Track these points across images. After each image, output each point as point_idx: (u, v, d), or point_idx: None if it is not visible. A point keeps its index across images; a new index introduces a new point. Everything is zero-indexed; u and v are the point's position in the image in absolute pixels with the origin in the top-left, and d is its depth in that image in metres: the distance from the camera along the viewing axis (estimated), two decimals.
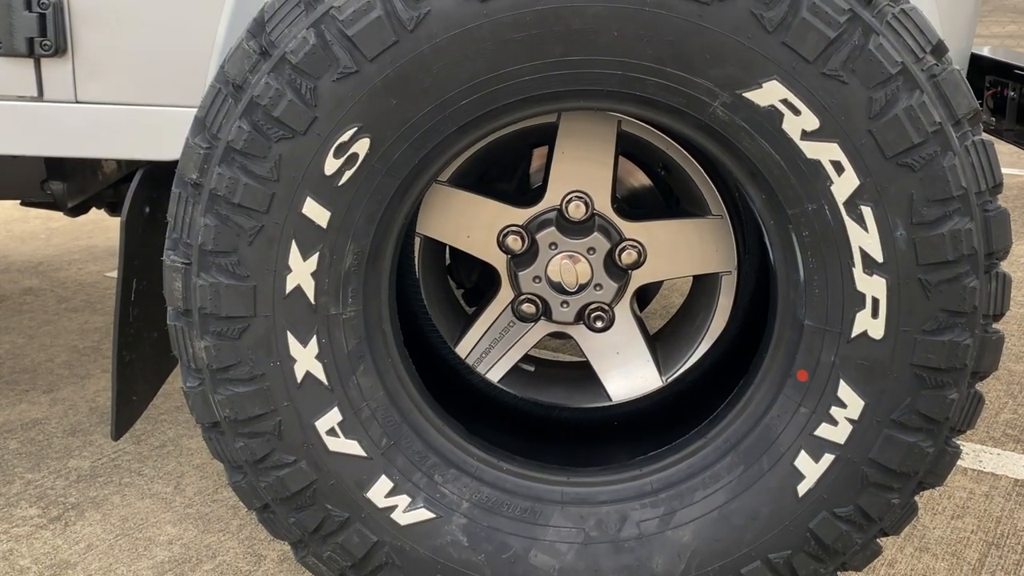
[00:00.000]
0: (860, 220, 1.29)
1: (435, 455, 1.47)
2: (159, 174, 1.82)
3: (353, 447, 1.42)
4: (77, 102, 1.75)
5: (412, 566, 1.45)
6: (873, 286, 1.31)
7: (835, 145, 1.26)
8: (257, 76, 1.29)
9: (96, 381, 2.66)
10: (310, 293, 1.36)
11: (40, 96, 1.76)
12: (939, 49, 1.27)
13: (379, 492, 1.43)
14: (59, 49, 1.72)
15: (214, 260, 1.34)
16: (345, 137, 1.29)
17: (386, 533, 1.44)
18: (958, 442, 1.40)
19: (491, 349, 1.81)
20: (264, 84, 1.28)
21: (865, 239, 1.30)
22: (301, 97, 1.28)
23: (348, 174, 1.31)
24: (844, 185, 1.28)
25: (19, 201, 2.48)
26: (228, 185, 1.31)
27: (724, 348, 1.76)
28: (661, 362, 1.80)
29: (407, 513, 1.44)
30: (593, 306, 1.67)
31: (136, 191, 1.78)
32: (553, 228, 1.64)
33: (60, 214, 2.79)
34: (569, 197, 1.63)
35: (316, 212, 1.32)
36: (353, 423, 1.41)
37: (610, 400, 1.81)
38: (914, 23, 1.25)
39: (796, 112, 1.26)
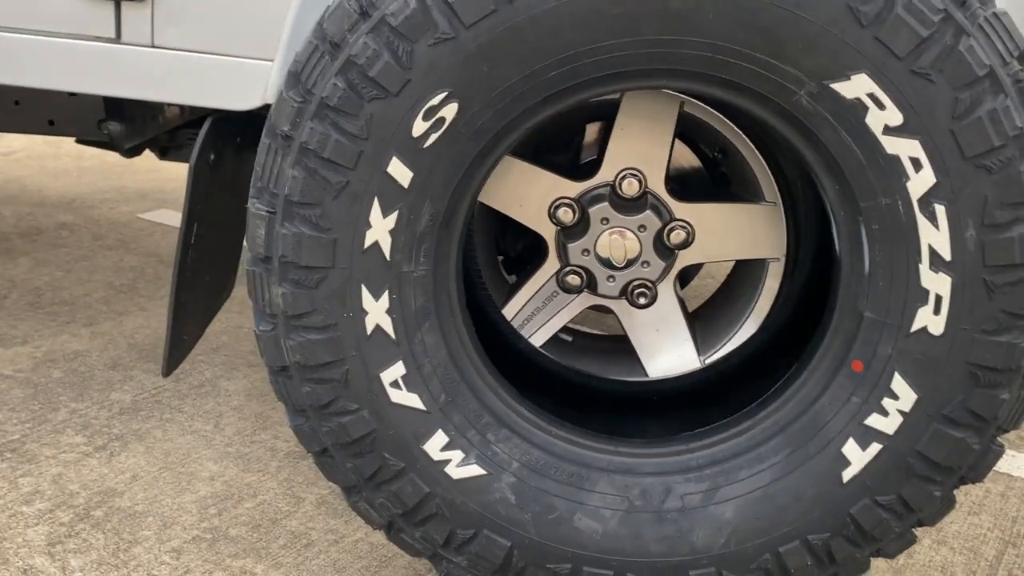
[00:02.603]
0: (932, 218, 1.32)
1: (489, 414, 1.51)
2: (226, 123, 1.85)
3: (414, 400, 1.46)
4: (153, 46, 1.77)
5: (460, 519, 1.50)
6: (938, 283, 1.34)
7: (916, 142, 1.29)
8: (356, 35, 1.31)
9: (133, 319, 2.71)
10: (387, 249, 1.39)
11: (118, 38, 1.79)
12: None
13: (435, 445, 1.48)
14: None
15: (299, 211, 1.37)
16: (436, 101, 1.32)
17: (438, 485, 1.49)
18: (1002, 441, 1.44)
19: (534, 316, 1.84)
20: (362, 44, 1.31)
21: (935, 236, 1.33)
22: (397, 59, 1.30)
23: (434, 137, 1.34)
24: (920, 182, 1.31)
25: (75, 138, 2.51)
26: (319, 140, 1.34)
27: (770, 334, 1.79)
28: (700, 343, 1.84)
29: (460, 468, 1.49)
30: (637, 282, 1.70)
31: (205, 139, 1.81)
32: (606, 203, 1.66)
33: (91, 151, 2.82)
34: (623, 174, 1.65)
35: (400, 172, 1.35)
36: (415, 377, 1.45)
37: (647, 376, 1.85)
38: (1004, 27, 1.28)
39: (881, 107, 1.28)
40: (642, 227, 1.66)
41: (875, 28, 1.24)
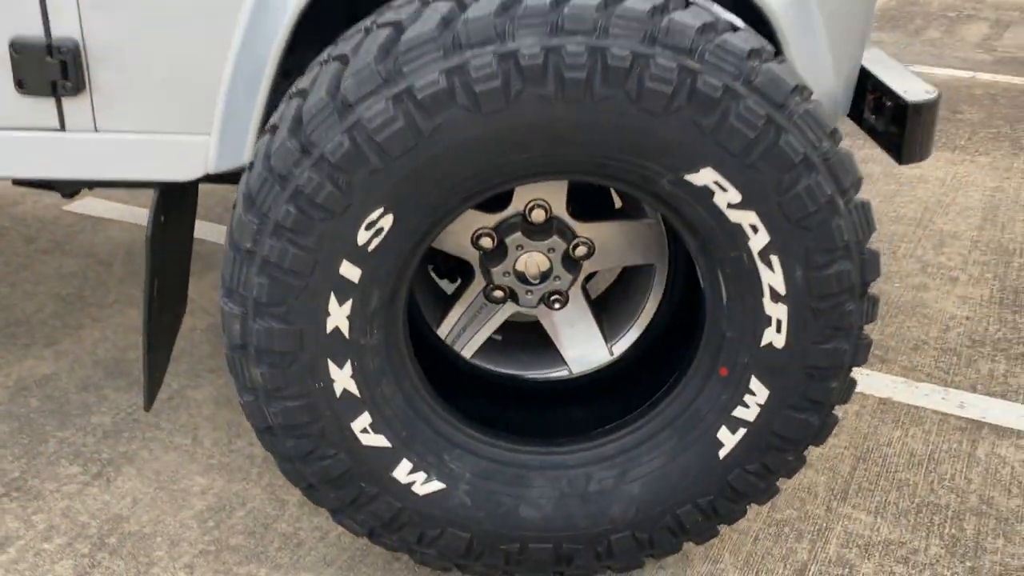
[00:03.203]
0: (769, 265, 1.70)
1: (443, 440, 1.87)
2: (171, 191, 2.10)
3: (381, 440, 1.81)
4: (96, 131, 2.00)
5: (428, 523, 1.88)
6: (778, 311, 1.74)
7: (753, 212, 1.66)
8: (300, 169, 1.59)
9: (89, 332, 2.95)
10: (345, 331, 1.71)
11: (62, 128, 2.00)
12: (833, 136, 1.66)
13: (402, 472, 1.84)
14: (79, 88, 1.95)
15: (267, 310, 1.67)
16: (374, 216, 1.62)
17: (408, 501, 1.86)
18: (837, 413, 1.88)
19: (465, 329, 2.19)
20: (307, 177, 1.59)
21: (773, 278, 1.71)
22: (338, 187, 1.59)
23: (376, 242, 1.65)
24: (758, 241, 1.68)
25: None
26: (279, 254, 1.63)
27: (663, 328, 2.19)
28: (606, 332, 2.22)
29: (424, 485, 1.86)
30: (552, 292, 2.06)
31: (156, 209, 2.07)
32: (519, 232, 2.00)
33: None
34: (531, 204, 1.98)
35: (350, 271, 1.66)
36: (380, 422, 1.80)
37: (570, 371, 2.22)
38: (815, 119, 1.63)
39: (724, 189, 1.64)
40: (551, 248, 2.00)
41: (715, 135, 1.59)
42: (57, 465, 2.39)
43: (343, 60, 1.61)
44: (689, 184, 1.64)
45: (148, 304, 2.09)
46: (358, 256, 1.66)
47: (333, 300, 1.69)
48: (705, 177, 1.63)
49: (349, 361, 1.74)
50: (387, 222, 1.64)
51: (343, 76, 1.58)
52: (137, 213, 3.77)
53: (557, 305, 2.07)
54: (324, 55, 1.70)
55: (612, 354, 2.22)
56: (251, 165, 1.68)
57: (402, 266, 1.71)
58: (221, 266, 1.74)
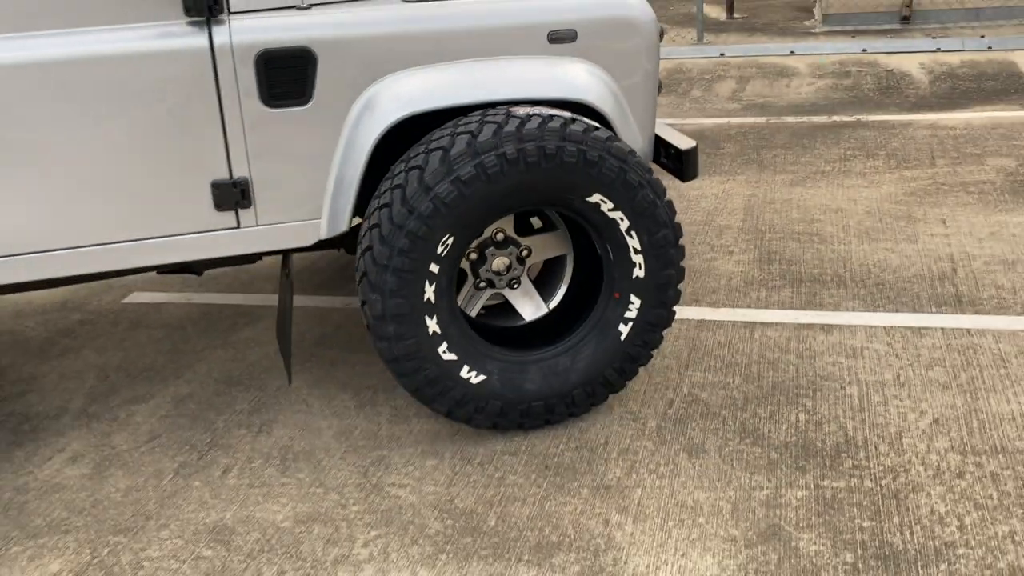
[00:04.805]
0: (631, 236, 3.52)
1: (482, 353, 3.58)
2: (289, 252, 3.75)
3: (452, 356, 3.50)
4: (258, 225, 3.63)
5: (479, 400, 3.56)
6: (638, 259, 3.56)
7: (620, 212, 3.48)
8: (408, 220, 3.30)
9: (197, 367, 4.44)
10: (432, 300, 3.40)
11: (238, 226, 3.62)
12: (650, 171, 3.52)
13: (464, 372, 3.53)
14: (249, 204, 3.58)
15: (394, 293, 3.34)
16: (445, 238, 3.33)
17: (468, 388, 3.54)
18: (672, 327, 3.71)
19: (468, 303, 3.91)
20: (413, 224, 3.30)
21: (633, 242, 3.53)
22: (428, 227, 3.30)
23: (444, 252, 3.36)
24: (624, 225, 3.50)
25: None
26: (400, 263, 3.32)
27: (573, 290, 3.98)
28: (544, 297, 3.98)
29: (475, 378, 3.55)
30: (512, 279, 3.81)
31: (284, 263, 3.72)
32: (492, 247, 3.75)
33: None
34: (495, 230, 3.74)
35: (434, 268, 3.36)
36: (451, 346, 3.48)
37: (525, 320, 3.98)
38: (640, 163, 3.48)
39: (605, 202, 3.45)
40: (510, 253, 3.76)
41: (597, 177, 3.40)
42: (230, 434, 3.91)
43: (420, 168, 3.33)
44: (587, 202, 3.45)
45: (281, 315, 3.73)
46: (437, 260, 3.37)
47: (427, 284, 3.38)
48: (596, 198, 3.45)
49: (435, 316, 3.44)
50: (450, 241, 3.36)
51: (424, 173, 3.30)
52: (174, 297, 5.25)
53: (516, 286, 3.83)
54: (402, 165, 3.41)
55: (548, 308, 3.99)
56: (378, 224, 3.35)
57: (455, 264, 3.44)
58: (362, 275, 3.39)
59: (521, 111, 3.41)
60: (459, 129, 3.38)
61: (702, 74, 9.40)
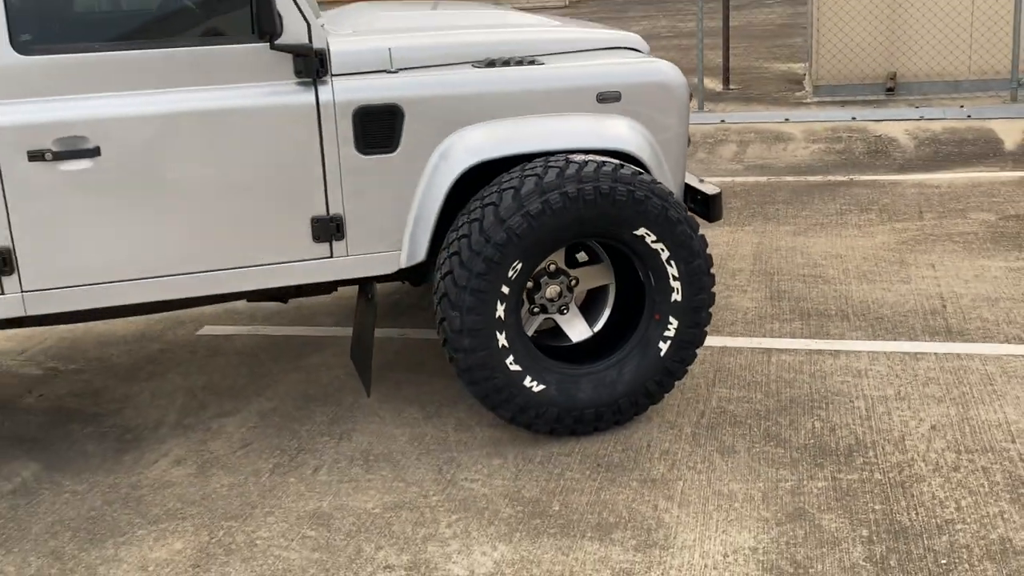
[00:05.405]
0: (671, 264, 4.12)
1: (542, 367, 4.14)
2: (371, 279, 4.33)
3: (517, 367, 4.06)
4: (348, 255, 4.22)
5: (539, 407, 4.11)
6: (677, 284, 4.15)
7: (661, 243, 4.08)
8: (485, 248, 3.89)
9: (276, 386, 4.98)
10: (503, 317, 3.98)
11: (331, 256, 4.20)
12: (685, 209, 4.13)
13: (527, 381, 4.09)
14: (342, 236, 4.17)
15: (471, 311, 3.92)
16: (515, 263, 3.93)
17: (530, 396, 4.09)
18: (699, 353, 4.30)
19: (527, 324, 4.47)
20: (489, 251, 3.89)
21: (672, 270, 4.13)
22: (502, 253, 3.89)
23: (514, 275, 3.95)
24: (665, 255, 4.09)
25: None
26: (476, 285, 3.89)
27: (618, 316, 4.56)
28: (589, 321, 4.56)
29: (536, 387, 4.11)
30: (563, 305, 4.39)
31: (365, 289, 4.30)
32: (545, 276, 4.33)
33: None
34: (549, 263, 4.33)
35: (505, 289, 3.94)
36: (516, 359, 4.05)
37: (571, 341, 4.55)
38: (679, 203, 4.09)
39: (649, 235, 4.05)
40: (561, 282, 4.34)
41: (643, 214, 4.01)
42: (314, 440, 4.43)
43: (495, 204, 3.93)
44: (635, 235, 4.06)
45: (356, 336, 4.30)
46: (508, 283, 3.96)
47: (499, 304, 3.97)
48: (641, 231, 4.05)
49: (504, 332, 4.01)
50: (519, 267, 3.95)
51: (499, 209, 3.90)
52: (242, 330, 5.80)
53: (565, 311, 4.42)
54: (477, 203, 4.00)
55: (592, 331, 4.56)
56: (458, 252, 3.94)
57: (521, 287, 4.02)
58: (442, 296, 3.96)
59: (579, 157, 4.03)
60: (527, 172, 4.00)
61: (705, 138, 10.12)
